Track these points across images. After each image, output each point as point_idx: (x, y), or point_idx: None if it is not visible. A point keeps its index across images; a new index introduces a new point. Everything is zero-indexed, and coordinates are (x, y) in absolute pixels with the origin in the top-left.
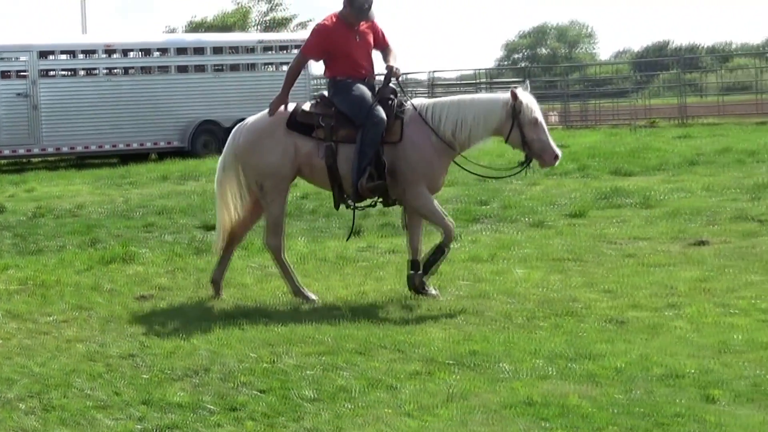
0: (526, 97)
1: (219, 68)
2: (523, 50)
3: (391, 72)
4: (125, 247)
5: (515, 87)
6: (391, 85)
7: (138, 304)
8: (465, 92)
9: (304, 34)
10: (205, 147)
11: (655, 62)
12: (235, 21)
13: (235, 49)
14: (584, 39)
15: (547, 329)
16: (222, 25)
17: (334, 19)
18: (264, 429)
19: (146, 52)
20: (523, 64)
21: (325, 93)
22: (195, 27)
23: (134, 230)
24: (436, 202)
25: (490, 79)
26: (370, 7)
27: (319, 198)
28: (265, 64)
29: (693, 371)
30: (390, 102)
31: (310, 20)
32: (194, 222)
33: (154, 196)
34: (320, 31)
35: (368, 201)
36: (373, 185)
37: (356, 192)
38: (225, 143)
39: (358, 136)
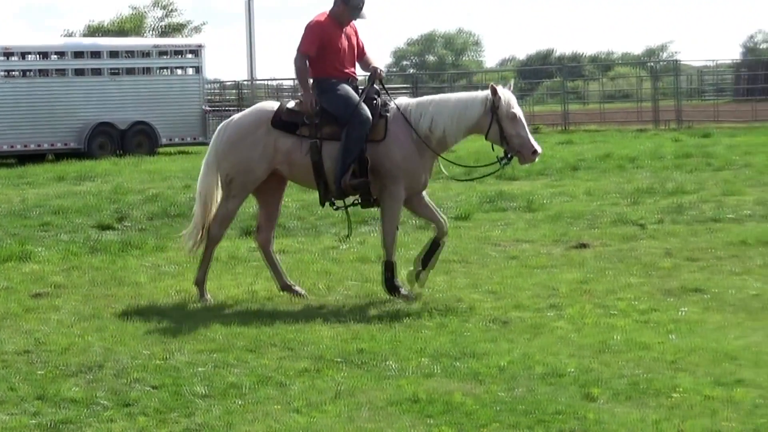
0: (504, 93)
1: (115, 72)
2: (412, 57)
3: (375, 73)
4: (21, 245)
5: (495, 83)
6: (375, 85)
7: (33, 302)
8: None
9: (197, 39)
10: (101, 148)
11: (539, 70)
12: (132, 26)
13: (131, 53)
14: (471, 47)
15: (433, 328)
16: (119, 29)
17: (325, 18)
18: (156, 424)
19: (44, 55)
20: (411, 71)
21: None
22: (92, 31)
23: (30, 229)
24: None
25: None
26: (363, 6)
27: None
28: (160, 68)
29: (573, 370)
30: (374, 101)
31: (204, 23)
32: (90, 221)
33: (50, 196)
34: (315, 28)
35: (350, 199)
36: (356, 183)
37: (339, 189)
38: (120, 145)
39: (344, 134)
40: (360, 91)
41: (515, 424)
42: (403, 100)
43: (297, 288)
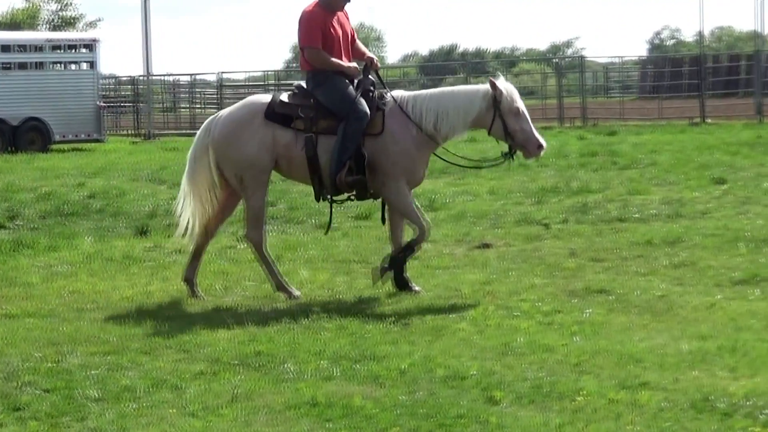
0: (505, 86)
1: (7, 66)
2: None
3: (372, 63)
4: None
5: (493, 77)
6: (369, 76)
7: None
8: (253, 93)
9: (92, 34)
10: None
11: (443, 66)
12: (25, 19)
13: (23, 48)
14: (373, 42)
15: (332, 330)
16: (11, 22)
17: (316, 6)
18: (47, 429)
19: None
20: None
21: (303, 84)
22: None
23: None
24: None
25: (278, 81)
26: None
27: (107, 197)
28: (54, 62)
29: (476, 373)
30: (371, 94)
31: (99, 20)
32: None
33: None
34: (312, 18)
35: (345, 195)
36: (353, 179)
37: (334, 185)
38: (12, 142)
39: (340, 129)
40: (355, 83)
41: (416, 428)
42: (398, 93)
43: (197, 288)
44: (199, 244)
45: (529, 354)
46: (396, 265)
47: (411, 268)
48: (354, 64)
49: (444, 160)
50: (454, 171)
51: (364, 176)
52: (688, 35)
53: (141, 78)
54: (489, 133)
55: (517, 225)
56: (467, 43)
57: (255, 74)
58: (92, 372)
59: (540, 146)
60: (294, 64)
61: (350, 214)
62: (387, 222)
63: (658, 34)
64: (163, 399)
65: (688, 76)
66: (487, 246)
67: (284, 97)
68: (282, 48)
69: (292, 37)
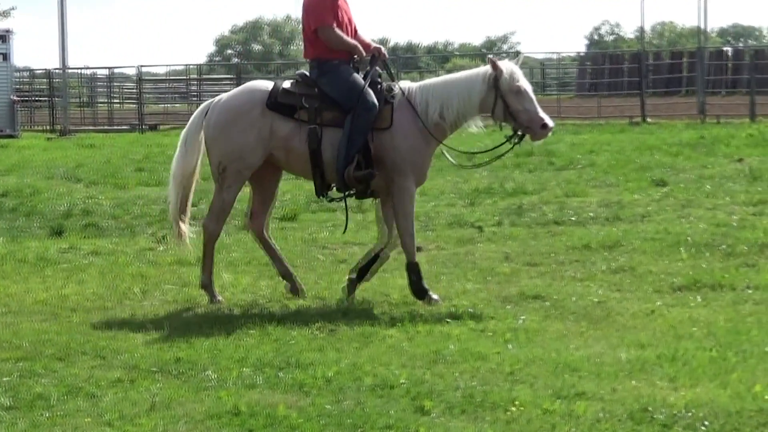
0: (506, 65)
1: None
2: (236, 46)
3: (379, 54)
4: None
5: (493, 56)
6: (376, 68)
7: None
8: (174, 87)
9: (6, 24)
10: None
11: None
12: None
13: None
14: (300, 35)
15: (256, 336)
16: None
17: None
18: None
19: None
20: (235, 61)
21: (306, 72)
22: None
23: None
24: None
25: (201, 75)
26: None
27: (20, 196)
28: None
29: (405, 381)
30: (378, 86)
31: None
32: None
33: None
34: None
35: (343, 192)
36: (361, 174)
37: (342, 181)
38: None
39: (347, 121)
40: (362, 73)
41: None
42: (406, 84)
43: (298, 282)
44: (258, 236)
45: (460, 362)
46: (362, 277)
47: (338, 272)
48: (360, 48)
49: (447, 153)
50: None
51: (373, 170)
52: (629, 31)
53: (57, 71)
54: (492, 116)
55: (449, 227)
56: (398, 37)
57: (176, 68)
58: (4, 379)
59: (545, 125)
60: (217, 58)
61: (275, 215)
62: (379, 221)
63: (597, 29)
64: (78, 407)
65: (628, 73)
66: (417, 249)
67: (287, 85)
68: (205, 41)
69: (216, 30)
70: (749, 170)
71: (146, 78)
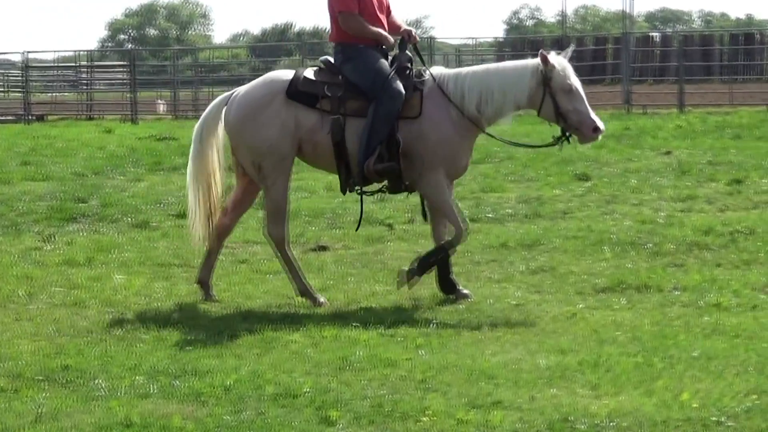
0: (558, 61)
1: None
2: (130, 30)
3: (410, 36)
4: None
5: (547, 51)
6: (407, 52)
7: None
8: (63, 75)
9: None
10: None
11: (276, 47)
12: None
13: None
14: (198, 19)
15: (150, 342)
16: None
17: None
18: None
19: None
20: (129, 46)
21: (330, 58)
22: None
23: None
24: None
25: (92, 62)
26: None
27: None
28: None
29: (309, 390)
30: (407, 72)
31: None
32: None
33: None
34: None
35: (376, 186)
36: (383, 167)
37: (362, 174)
38: None
39: (371, 110)
40: (390, 59)
41: None
42: (438, 70)
43: (212, 292)
44: (211, 241)
45: (369, 369)
46: (425, 270)
47: (238, 273)
48: (390, 37)
49: (498, 140)
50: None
51: (397, 164)
52: (550, 15)
53: None
54: (539, 114)
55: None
56: (304, 21)
57: (65, 54)
58: None
59: (596, 129)
60: (110, 44)
61: (170, 212)
62: (429, 218)
63: (516, 13)
64: None
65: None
66: (323, 248)
67: (309, 73)
68: (96, 25)
69: (108, 13)
70: (677, 164)
71: (33, 65)
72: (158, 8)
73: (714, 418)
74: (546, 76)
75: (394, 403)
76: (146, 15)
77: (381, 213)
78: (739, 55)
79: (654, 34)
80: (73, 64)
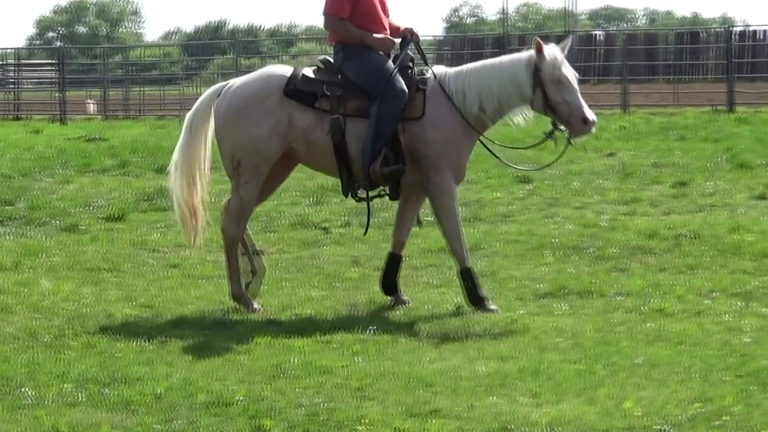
0: (551, 51)
1: None
2: (59, 28)
3: (411, 35)
4: None
5: (541, 40)
6: (408, 51)
7: None
8: None
9: None
10: None
11: (209, 45)
12: None
13: None
14: (129, 17)
15: (78, 349)
16: None
17: None
18: None
19: None
20: (58, 44)
21: (329, 58)
22: None
23: None
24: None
25: (19, 60)
26: None
27: None
28: None
29: (242, 398)
30: (409, 71)
31: None
32: None
33: None
34: None
35: (377, 189)
36: (389, 170)
37: (368, 178)
38: None
39: (373, 111)
40: (393, 58)
41: None
42: (440, 69)
43: (253, 303)
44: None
45: (304, 377)
46: (478, 299)
47: (169, 278)
48: (387, 39)
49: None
50: (220, 166)
51: (404, 166)
52: (491, 13)
53: None
54: (532, 107)
55: (293, 228)
56: (238, 19)
57: None
58: None
59: (585, 120)
60: (38, 41)
61: (100, 215)
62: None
63: (456, 11)
64: None
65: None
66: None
67: (308, 71)
68: (23, 23)
69: (38, 9)
70: (621, 166)
71: None
72: (88, 5)
73: (657, 427)
74: (536, 67)
75: (330, 411)
76: (76, 12)
77: (317, 216)
78: (685, 55)
79: (597, 32)
80: (0, 62)
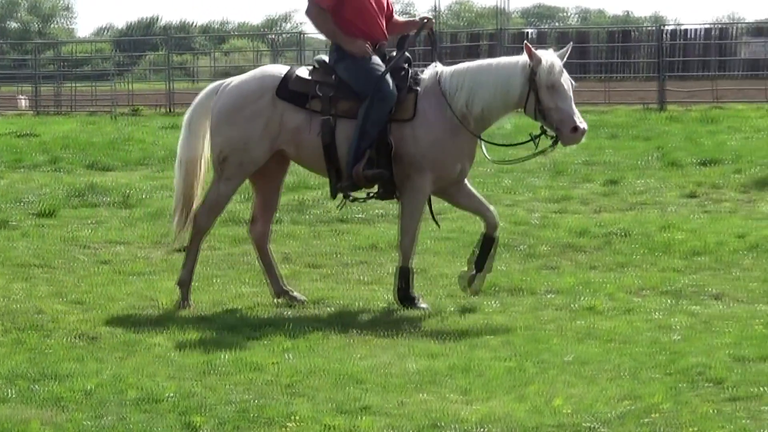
0: (546, 56)
1: None
2: None
3: (428, 22)
4: None
5: (530, 43)
6: (405, 53)
7: None
8: None
9: None
10: None
11: (141, 41)
12: None
13: None
14: (60, 13)
15: (8, 345)
16: None
17: None
18: None
19: None
20: None
21: (325, 57)
22: None
23: None
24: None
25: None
26: None
27: None
28: None
29: (173, 395)
30: (403, 72)
31: None
32: None
33: None
34: None
35: (365, 192)
36: (372, 173)
37: (350, 179)
38: None
39: (361, 112)
40: (387, 59)
41: None
42: (438, 68)
43: (296, 293)
44: (258, 247)
45: (234, 373)
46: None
47: (100, 274)
48: (361, 43)
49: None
50: (152, 162)
51: (388, 171)
52: (422, 10)
53: None
54: (525, 112)
55: (223, 225)
56: (170, 15)
57: None
58: None
59: (575, 128)
60: None
61: (31, 210)
62: (461, 208)
63: None
64: None
65: (422, 56)
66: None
67: (302, 72)
68: None
69: None
70: (552, 164)
71: None
72: (20, 1)
73: (587, 424)
74: (532, 71)
75: (260, 408)
76: (7, 7)
77: (248, 213)
78: (616, 53)
79: (529, 30)
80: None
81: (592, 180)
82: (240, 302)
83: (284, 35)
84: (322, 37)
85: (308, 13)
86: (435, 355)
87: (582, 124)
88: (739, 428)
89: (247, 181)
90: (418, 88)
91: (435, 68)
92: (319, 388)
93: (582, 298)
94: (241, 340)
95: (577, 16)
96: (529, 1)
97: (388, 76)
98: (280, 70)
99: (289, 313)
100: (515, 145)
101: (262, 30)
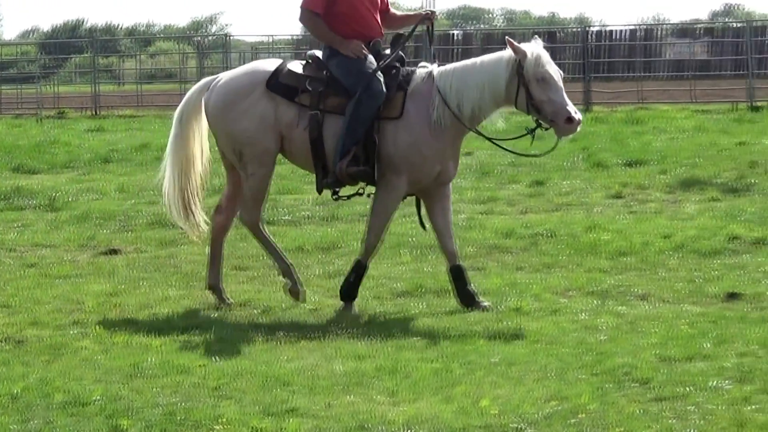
0: (532, 48)
1: None
2: None
3: (431, 15)
4: None
5: (512, 38)
6: (399, 51)
7: None
8: None
9: None
10: None
11: (67, 44)
12: None
13: None
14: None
15: None
16: None
17: None
18: None
19: None
20: None
21: (318, 53)
22: None
23: None
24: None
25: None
26: None
27: None
28: None
29: (99, 398)
30: (394, 71)
31: None
32: None
33: None
34: None
35: (352, 188)
36: (355, 171)
37: (333, 175)
38: None
39: (348, 109)
40: (383, 56)
41: None
42: (430, 68)
43: (225, 295)
44: (213, 237)
45: (161, 376)
46: (351, 294)
47: (26, 277)
48: (356, 44)
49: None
50: (78, 165)
51: (371, 169)
52: None
53: None
54: (516, 107)
55: (150, 228)
56: (96, 17)
57: None
58: None
59: (570, 119)
60: None
61: None
62: (429, 225)
63: None
64: None
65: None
66: (114, 252)
67: (295, 66)
68: None
69: None
70: (478, 164)
71: None
72: None
73: (514, 425)
74: (519, 65)
75: (187, 411)
76: None
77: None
78: None
79: (455, 32)
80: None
81: (518, 181)
82: (166, 305)
83: (210, 37)
84: (248, 38)
85: (301, 19)
86: (362, 356)
87: (576, 114)
88: (665, 428)
89: (224, 170)
90: (408, 87)
91: (427, 68)
92: (246, 391)
93: (508, 299)
94: (168, 343)
95: (502, 17)
96: (454, 3)
97: (378, 74)
98: (270, 64)
99: (216, 315)
100: (512, 139)
101: (188, 32)
